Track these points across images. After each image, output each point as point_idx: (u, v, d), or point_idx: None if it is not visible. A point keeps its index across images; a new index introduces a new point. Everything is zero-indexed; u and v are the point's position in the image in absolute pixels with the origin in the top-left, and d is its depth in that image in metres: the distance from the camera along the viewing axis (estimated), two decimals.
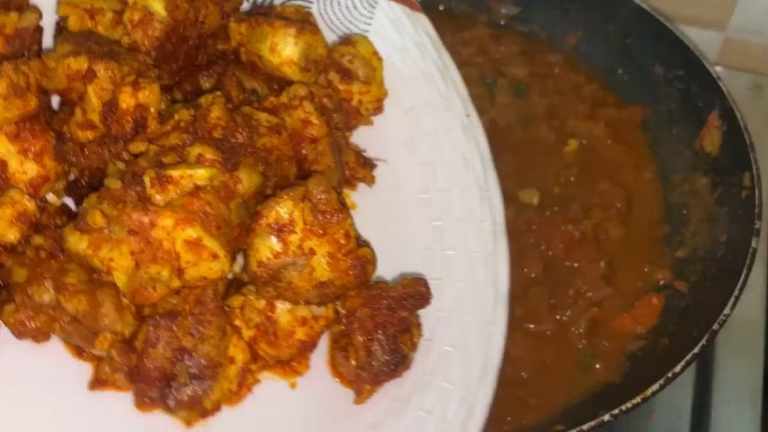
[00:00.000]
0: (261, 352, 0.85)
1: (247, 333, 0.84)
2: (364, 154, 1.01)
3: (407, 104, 1.04)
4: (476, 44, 1.40)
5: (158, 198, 0.77)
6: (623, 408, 0.96)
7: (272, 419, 0.85)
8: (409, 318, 0.86)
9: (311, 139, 0.90)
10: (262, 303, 0.84)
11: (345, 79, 0.98)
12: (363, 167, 0.98)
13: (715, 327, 1.01)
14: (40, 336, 0.80)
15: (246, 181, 0.81)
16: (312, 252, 0.81)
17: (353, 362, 0.85)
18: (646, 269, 1.18)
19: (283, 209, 0.80)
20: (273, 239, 0.80)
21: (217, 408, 0.82)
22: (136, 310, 0.81)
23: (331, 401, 0.87)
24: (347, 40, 1.01)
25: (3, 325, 0.82)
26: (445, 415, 0.85)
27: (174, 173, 0.78)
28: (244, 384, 0.84)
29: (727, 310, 1.02)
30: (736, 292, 1.03)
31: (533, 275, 1.15)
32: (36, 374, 0.83)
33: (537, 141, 1.29)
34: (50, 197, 0.90)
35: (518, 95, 1.33)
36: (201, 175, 0.78)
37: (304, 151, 0.90)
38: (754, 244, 1.07)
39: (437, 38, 1.07)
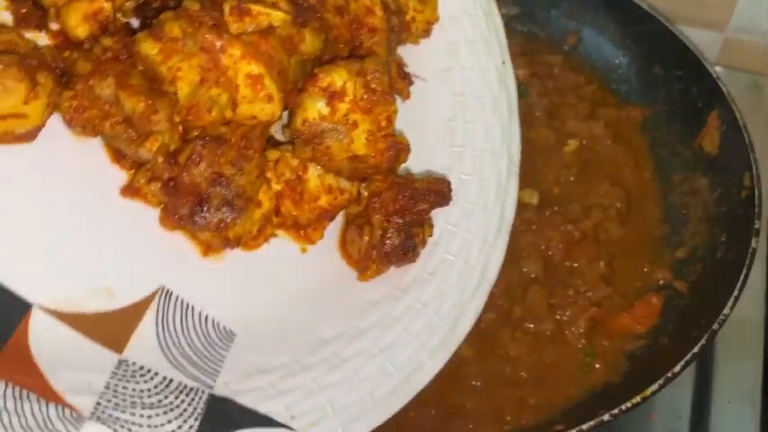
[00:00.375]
0: (283, 209, 0.88)
1: (276, 187, 0.87)
2: (405, 68, 1.04)
3: (451, 37, 1.09)
4: None
5: (233, 27, 0.81)
6: (623, 407, 0.96)
7: (277, 276, 0.90)
8: (426, 213, 0.91)
9: (370, 29, 0.94)
10: (295, 162, 0.87)
11: None
12: (402, 80, 1.01)
13: (715, 326, 1.01)
14: (88, 129, 0.81)
15: (310, 41, 0.85)
16: (355, 125, 0.86)
17: (366, 238, 0.89)
18: (645, 269, 1.18)
19: (338, 77, 0.85)
20: (323, 102, 0.85)
21: (236, 243, 0.86)
22: (183, 131, 0.82)
23: (335, 275, 0.93)
24: None
25: (47, 124, 0.83)
26: (439, 311, 0.93)
27: (254, 7, 0.81)
28: (262, 233, 0.88)
29: (726, 310, 1.02)
30: (735, 292, 1.04)
31: (533, 275, 1.15)
32: (70, 173, 0.84)
33: (537, 141, 1.29)
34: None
35: (518, 95, 1.33)
36: (277, 16, 0.82)
37: (361, 38, 0.94)
38: (753, 244, 1.08)
39: None
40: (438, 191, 0.91)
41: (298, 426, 0.82)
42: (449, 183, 0.92)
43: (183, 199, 0.81)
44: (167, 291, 0.84)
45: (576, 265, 1.17)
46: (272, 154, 0.88)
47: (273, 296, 0.90)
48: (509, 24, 1.46)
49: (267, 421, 0.81)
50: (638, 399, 0.96)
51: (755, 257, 1.07)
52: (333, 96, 0.85)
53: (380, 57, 0.90)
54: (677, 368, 0.98)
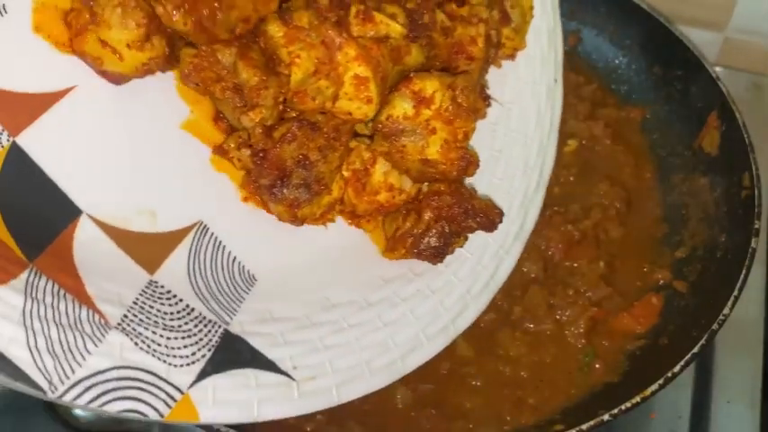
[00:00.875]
0: (345, 196, 0.95)
1: (343, 173, 0.94)
2: (486, 90, 1.07)
3: None
4: None
5: (355, 29, 0.86)
6: (623, 407, 0.96)
7: (306, 236, 0.96)
8: (470, 230, 0.96)
9: (468, 57, 0.98)
10: (367, 155, 0.93)
11: (503, 21, 1.05)
12: (483, 100, 1.03)
13: (714, 326, 1.01)
14: (200, 87, 0.87)
15: (415, 55, 0.91)
16: (433, 131, 0.91)
17: (409, 225, 0.95)
18: (645, 269, 1.18)
19: (430, 85, 0.90)
20: (410, 104, 0.90)
21: (302, 222, 0.93)
22: (282, 110, 0.88)
23: (358, 246, 1.00)
24: None
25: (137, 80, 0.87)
26: (444, 301, 0.98)
27: (378, 15, 0.87)
28: (324, 216, 0.96)
29: (726, 310, 1.03)
30: (735, 292, 1.04)
31: (533, 275, 1.15)
32: (138, 107, 0.89)
33: None
34: None
35: None
36: (395, 29, 0.88)
37: (458, 62, 0.98)
38: (753, 244, 1.08)
39: (557, 4, 1.16)
40: (490, 217, 0.95)
41: (297, 376, 0.87)
42: (501, 213, 0.97)
43: (267, 170, 0.88)
44: (205, 226, 0.90)
45: (575, 265, 1.17)
46: (350, 142, 0.93)
47: (298, 253, 0.96)
48: None
49: (271, 366, 0.87)
50: (637, 399, 0.97)
51: (755, 257, 1.07)
52: (421, 101, 0.90)
53: (472, 77, 0.96)
54: (677, 368, 0.98)
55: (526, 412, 1.05)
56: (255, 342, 0.87)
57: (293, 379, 0.87)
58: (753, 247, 1.07)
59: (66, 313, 0.77)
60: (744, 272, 1.05)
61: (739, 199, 1.15)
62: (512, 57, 1.10)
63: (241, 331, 0.87)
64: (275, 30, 0.85)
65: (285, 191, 0.89)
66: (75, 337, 0.76)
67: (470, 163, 0.93)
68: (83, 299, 0.79)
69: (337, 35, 0.85)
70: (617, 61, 1.41)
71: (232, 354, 0.85)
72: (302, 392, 0.87)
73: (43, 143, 0.81)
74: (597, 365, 1.09)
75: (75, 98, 0.84)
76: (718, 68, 1.40)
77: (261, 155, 0.88)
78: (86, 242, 0.82)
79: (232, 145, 0.90)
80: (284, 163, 0.88)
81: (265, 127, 0.88)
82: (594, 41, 1.43)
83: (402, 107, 0.90)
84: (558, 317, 1.12)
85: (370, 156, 0.94)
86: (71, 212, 0.82)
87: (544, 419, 1.04)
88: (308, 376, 0.88)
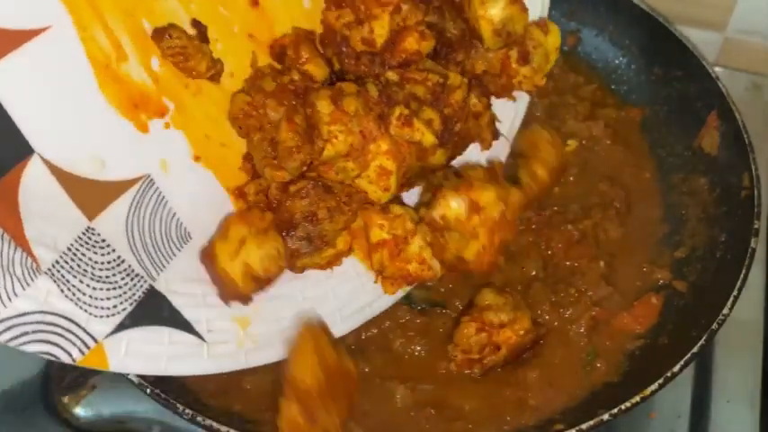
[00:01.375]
0: (377, 255, 0.99)
1: (384, 235, 0.98)
2: (497, 122, 1.08)
3: None
4: None
5: (394, 129, 0.93)
6: (622, 407, 0.96)
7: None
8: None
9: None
10: (411, 225, 0.98)
11: (521, 60, 1.05)
12: (490, 132, 1.06)
13: (714, 326, 1.01)
14: (242, 129, 0.95)
15: (439, 157, 0.97)
16: (476, 236, 0.96)
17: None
18: (645, 269, 1.18)
19: (487, 196, 0.96)
20: (464, 209, 0.96)
21: (300, 270, 0.99)
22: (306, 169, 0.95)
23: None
24: (543, 25, 1.07)
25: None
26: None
27: (416, 122, 0.93)
28: (332, 263, 1.01)
29: (726, 310, 1.03)
30: (735, 292, 1.04)
31: (533, 273, 1.15)
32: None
33: None
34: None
35: None
36: (428, 138, 0.94)
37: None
38: (753, 244, 1.08)
39: None
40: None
41: (210, 339, 0.93)
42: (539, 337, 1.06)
43: (277, 219, 0.94)
44: (151, 181, 0.93)
45: (576, 264, 1.17)
46: (397, 209, 0.98)
47: None
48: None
49: (187, 326, 0.93)
50: (637, 398, 0.97)
51: (755, 257, 1.07)
52: (473, 208, 0.96)
53: (526, 194, 1.01)
54: (677, 368, 0.98)
55: (527, 412, 1.04)
56: (176, 301, 0.92)
57: (205, 341, 0.93)
58: (752, 247, 1.07)
59: (1, 254, 0.80)
60: (743, 272, 1.05)
61: (739, 199, 1.15)
62: (531, 92, 1.11)
63: (165, 289, 0.92)
64: (324, 106, 0.91)
65: (288, 240, 0.95)
66: (5, 279, 0.80)
67: (496, 268, 1.01)
68: (19, 241, 0.82)
69: (376, 129, 0.92)
70: (617, 61, 1.41)
71: (152, 310, 0.90)
72: (212, 354, 0.93)
73: (8, 80, 0.81)
74: (599, 365, 1.09)
75: (48, 38, 0.84)
76: (717, 68, 1.40)
77: (274, 203, 0.95)
78: (32, 183, 0.83)
79: (252, 190, 0.97)
80: (293, 215, 0.94)
81: (284, 182, 0.94)
82: (594, 41, 1.43)
83: (457, 211, 0.97)
84: (561, 314, 1.12)
85: (413, 228, 0.98)
86: (23, 151, 0.83)
87: (544, 419, 1.04)
88: (220, 340, 0.94)
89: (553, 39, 1.07)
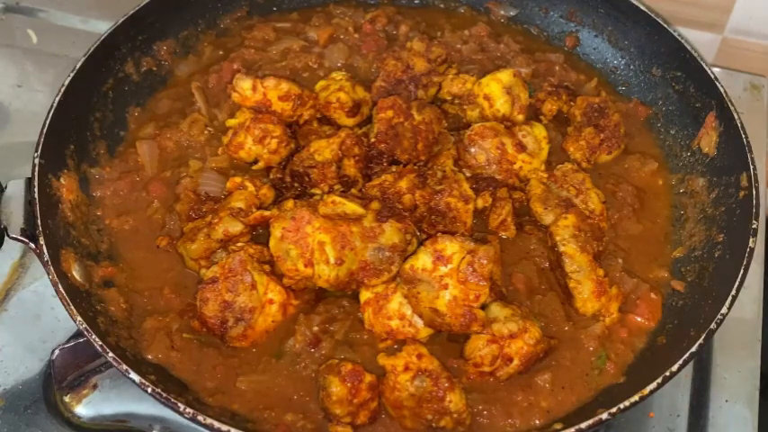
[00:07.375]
0: (365, 314, 1.07)
1: (368, 294, 1.07)
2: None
3: None
4: (476, 42, 1.40)
5: (321, 209, 1.06)
6: (621, 406, 0.96)
7: None
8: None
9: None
10: (391, 284, 1.06)
11: (517, 149, 1.20)
12: (470, 218, 1.14)
13: (712, 326, 1.02)
14: (199, 238, 1.12)
15: (389, 235, 1.05)
16: (446, 286, 1.03)
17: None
18: (645, 269, 1.18)
19: (451, 247, 1.03)
20: (430, 259, 1.03)
21: (263, 336, 1.07)
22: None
23: None
24: (529, 123, 1.24)
25: None
26: None
27: (337, 198, 1.07)
28: (285, 315, 1.09)
29: (724, 310, 1.03)
30: (733, 292, 1.04)
31: (545, 265, 1.15)
32: None
33: None
34: None
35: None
36: (350, 207, 1.06)
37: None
38: (751, 244, 1.08)
39: None
40: None
41: None
42: None
43: (210, 329, 1.06)
44: None
45: None
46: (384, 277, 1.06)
47: None
48: (507, 25, 1.47)
49: None
50: (636, 398, 0.97)
51: (753, 257, 1.07)
52: (439, 258, 1.03)
53: (495, 249, 1.05)
54: (675, 367, 0.99)
55: (535, 415, 1.03)
56: None
57: None
58: (751, 247, 1.08)
59: None
60: (742, 271, 1.05)
61: (737, 199, 1.15)
62: (535, 177, 1.21)
63: None
64: (275, 230, 1.06)
65: (231, 332, 1.05)
66: None
67: (474, 320, 1.02)
68: None
69: (308, 213, 1.04)
70: (616, 62, 1.41)
71: None
72: None
73: None
74: (608, 367, 1.07)
75: None
76: (716, 69, 1.40)
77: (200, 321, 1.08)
78: None
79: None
80: (215, 318, 1.05)
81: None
82: (593, 43, 1.43)
83: (423, 260, 1.03)
84: (573, 320, 1.11)
85: (394, 286, 1.06)
86: None
87: (547, 419, 1.04)
88: None
89: (538, 130, 1.21)
